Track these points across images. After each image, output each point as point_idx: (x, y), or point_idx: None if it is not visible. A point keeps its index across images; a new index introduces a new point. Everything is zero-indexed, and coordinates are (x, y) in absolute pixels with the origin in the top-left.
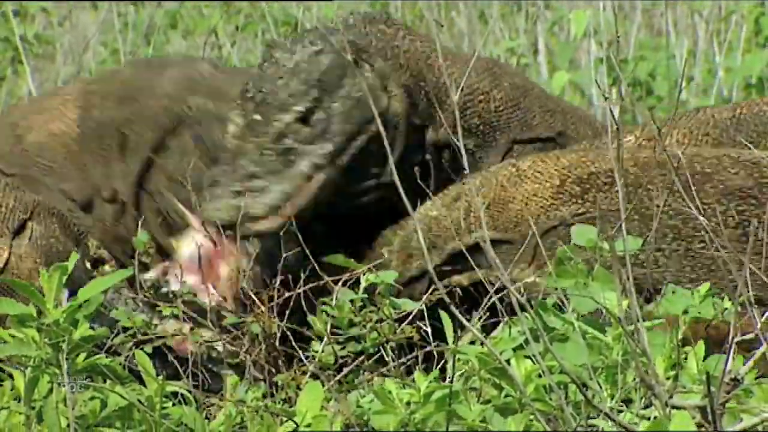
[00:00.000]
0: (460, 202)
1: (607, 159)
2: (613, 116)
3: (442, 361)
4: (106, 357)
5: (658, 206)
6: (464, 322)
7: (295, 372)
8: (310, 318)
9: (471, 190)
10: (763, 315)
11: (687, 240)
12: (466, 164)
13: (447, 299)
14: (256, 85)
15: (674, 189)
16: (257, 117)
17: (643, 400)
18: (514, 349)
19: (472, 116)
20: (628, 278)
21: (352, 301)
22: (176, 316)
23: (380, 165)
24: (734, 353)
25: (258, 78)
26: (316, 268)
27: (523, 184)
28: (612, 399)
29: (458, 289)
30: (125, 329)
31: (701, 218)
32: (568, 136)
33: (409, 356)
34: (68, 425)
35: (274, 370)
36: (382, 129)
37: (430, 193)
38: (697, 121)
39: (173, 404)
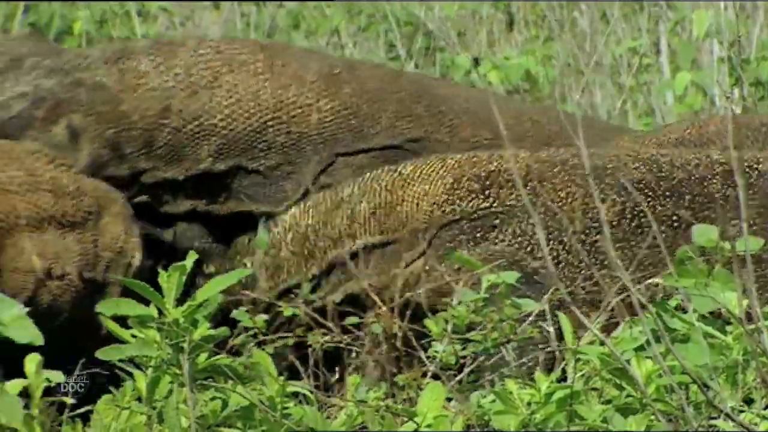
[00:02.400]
0: (341, 210)
1: (504, 158)
2: (734, 116)
3: (564, 362)
4: (227, 357)
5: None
6: (585, 322)
7: (416, 372)
8: (426, 321)
9: (353, 197)
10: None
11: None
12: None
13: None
14: None
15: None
16: None
17: (764, 399)
18: (635, 350)
19: (277, 134)
20: (749, 278)
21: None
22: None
23: None
24: None
25: None
26: (439, 270)
27: (411, 186)
28: (733, 399)
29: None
30: (246, 329)
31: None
32: (432, 140)
33: (530, 356)
34: (189, 425)
35: (395, 371)
36: None
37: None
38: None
39: (294, 404)
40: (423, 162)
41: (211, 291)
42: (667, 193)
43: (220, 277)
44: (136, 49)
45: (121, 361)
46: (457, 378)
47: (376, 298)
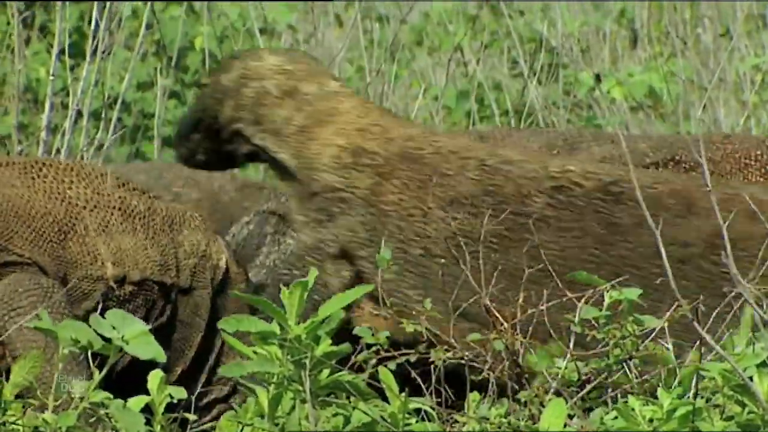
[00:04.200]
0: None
1: (384, 139)
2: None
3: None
4: (349, 373)
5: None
6: (707, 338)
7: (538, 389)
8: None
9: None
10: None
11: (406, 243)
12: None
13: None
14: None
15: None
16: None
17: None
18: (757, 366)
19: None
20: None
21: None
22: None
23: None
24: None
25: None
26: (559, 284)
27: (328, 126)
28: None
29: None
30: (368, 346)
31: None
32: None
33: (652, 373)
34: None
35: (517, 387)
36: None
37: None
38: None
39: (416, 421)
40: (361, 107)
41: (333, 307)
42: (491, 210)
43: (342, 294)
44: None
45: (242, 377)
46: (579, 395)
47: (498, 315)
